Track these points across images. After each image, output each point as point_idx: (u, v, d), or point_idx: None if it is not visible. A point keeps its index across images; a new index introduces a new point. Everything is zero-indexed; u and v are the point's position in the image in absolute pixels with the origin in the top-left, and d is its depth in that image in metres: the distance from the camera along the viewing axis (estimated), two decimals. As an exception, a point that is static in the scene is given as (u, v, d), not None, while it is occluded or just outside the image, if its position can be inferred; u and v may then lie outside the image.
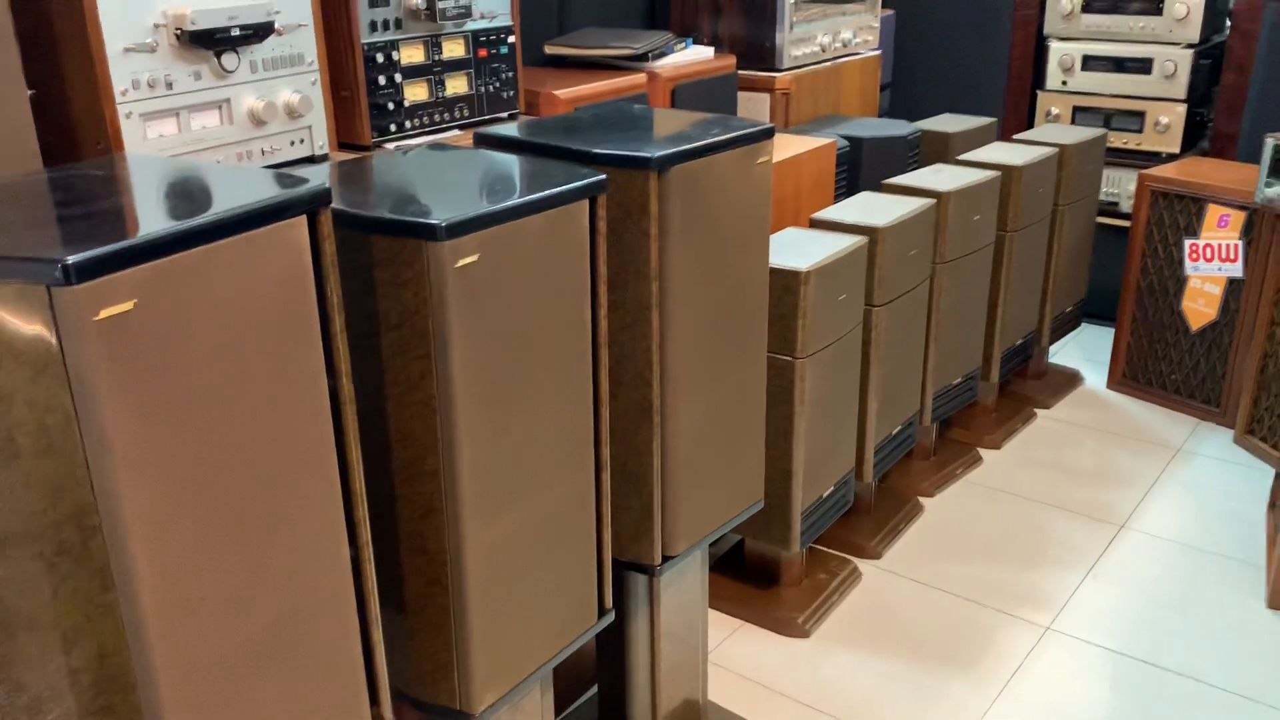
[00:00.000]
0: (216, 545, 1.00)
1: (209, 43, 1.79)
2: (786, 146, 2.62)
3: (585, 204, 1.33)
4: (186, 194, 1.05)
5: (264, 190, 1.01)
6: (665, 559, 1.67)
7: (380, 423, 1.25)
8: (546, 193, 1.26)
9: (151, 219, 0.93)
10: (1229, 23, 3.39)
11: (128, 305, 0.87)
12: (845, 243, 2.21)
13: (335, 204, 1.22)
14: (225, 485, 0.99)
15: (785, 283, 2.06)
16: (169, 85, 1.77)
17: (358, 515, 1.16)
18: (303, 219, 1.02)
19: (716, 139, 1.53)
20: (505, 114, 2.43)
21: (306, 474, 1.08)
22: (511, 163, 1.44)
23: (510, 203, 1.22)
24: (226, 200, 0.99)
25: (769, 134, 1.61)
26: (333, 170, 1.48)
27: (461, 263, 1.17)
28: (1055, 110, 3.70)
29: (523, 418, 1.31)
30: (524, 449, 1.32)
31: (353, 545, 1.17)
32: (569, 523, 1.43)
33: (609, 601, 1.55)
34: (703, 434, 1.66)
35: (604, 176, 1.34)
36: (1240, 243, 2.97)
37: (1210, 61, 3.51)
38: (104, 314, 0.86)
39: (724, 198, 1.57)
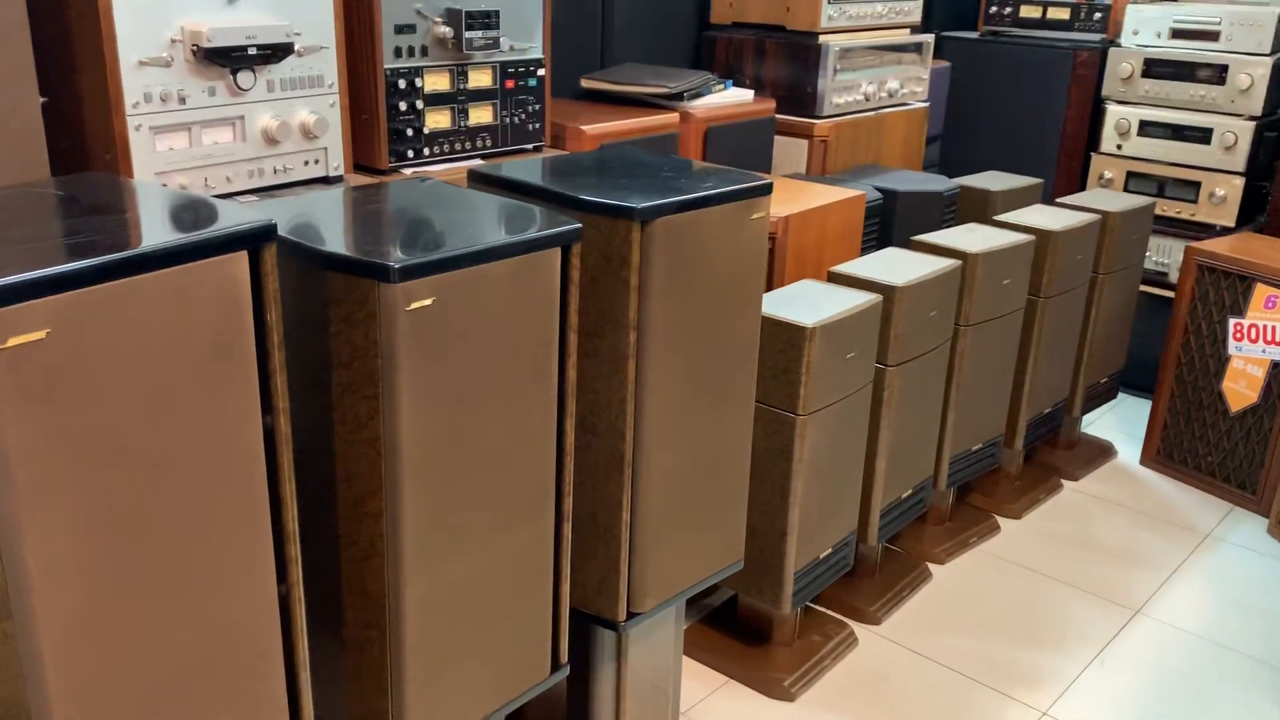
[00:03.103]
0: (126, 582, 0.98)
1: (225, 60, 1.80)
2: (814, 196, 2.58)
3: (557, 252, 1.31)
4: (131, 223, 1.05)
5: (203, 224, 1.00)
6: (631, 615, 1.63)
7: (326, 460, 1.23)
8: (511, 239, 1.24)
9: (79, 248, 0.92)
10: (1294, 97, 3.28)
11: (39, 334, 0.86)
12: (858, 300, 2.16)
13: (295, 236, 1.21)
14: (140, 521, 0.98)
15: (790, 337, 2.02)
16: (182, 100, 1.79)
17: (289, 554, 1.14)
18: (243, 254, 1.01)
19: (708, 192, 1.49)
20: (530, 146, 2.42)
21: (233, 511, 1.06)
22: (493, 205, 1.42)
23: (471, 248, 1.20)
24: (164, 232, 0.98)
25: (765, 190, 1.57)
26: (315, 198, 1.47)
27: (414, 305, 1.15)
28: (1109, 174, 3.61)
29: (476, 465, 1.28)
30: (476, 496, 1.30)
31: (283, 584, 1.15)
32: (523, 573, 1.40)
33: (564, 656, 1.51)
34: (678, 489, 1.62)
35: (578, 225, 1.31)
36: (1287, 326, 2.85)
37: (1276, 135, 3.40)
38: (12, 342, 0.85)
39: (713, 252, 1.53)
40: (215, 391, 1.01)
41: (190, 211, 1.07)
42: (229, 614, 1.09)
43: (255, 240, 1.01)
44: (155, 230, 1.00)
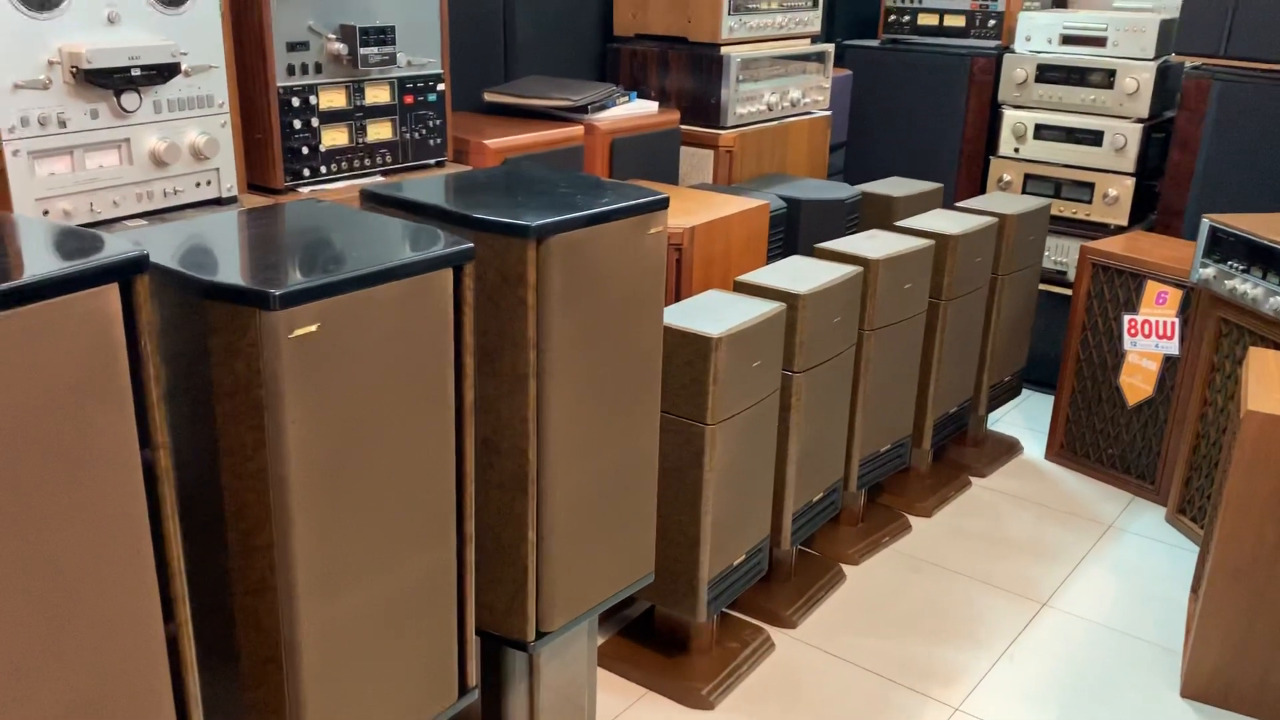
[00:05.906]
0: (-3, 627, 0.95)
1: (107, 81, 1.75)
2: (718, 206, 2.60)
3: (449, 273, 1.30)
4: (-6, 255, 1.01)
5: (72, 256, 0.97)
6: (541, 634, 1.62)
7: (214, 494, 1.20)
8: (399, 262, 1.22)
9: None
10: (1178, 99, 3.40)
11: (-110, 378, 0.83)
12: (763, 308, 2.18)
13: (176, 264, 1.18)
14: (13, 563, 0.94)
15: (697, 348, 2.03)
16: (62, 123, 1.73)
17: (175, 592, 1.11)
18: (113, 287, 0.98)
19: (603, 209, 1.50)
20: (432, 161, 2.40)
21: (113, 550, 1.03)
22: (384, 226, 1.40)
23: (356, 272, 1.18)
24: (27, 267, 0.94)
25: (662, 205, 1.58)
26: (198, 223, 1.44)
27: (298, 333, 1.13)
28: (1007, 177, 3.71)
29: (371, 492, 1.27)
30: (372, 524, 1.28)
31: (171, 622, 1.12)
32: (425, 599, 1.38)
33: (473, 679, 1.50)
34: (585, 506, 1.62)
35: (469, 245, 1.31)
36: (1177, 321, 2.95)
37: (1163, 136, 3.52)
38: None
39: (611, 268, 1.54)
40: (88, 429, 0.98)
41: (59, 243, 1.04)
42: (113, 655, 1.05)
43: (126, 272, 0.99)
44: (17, 264, 0.97)
